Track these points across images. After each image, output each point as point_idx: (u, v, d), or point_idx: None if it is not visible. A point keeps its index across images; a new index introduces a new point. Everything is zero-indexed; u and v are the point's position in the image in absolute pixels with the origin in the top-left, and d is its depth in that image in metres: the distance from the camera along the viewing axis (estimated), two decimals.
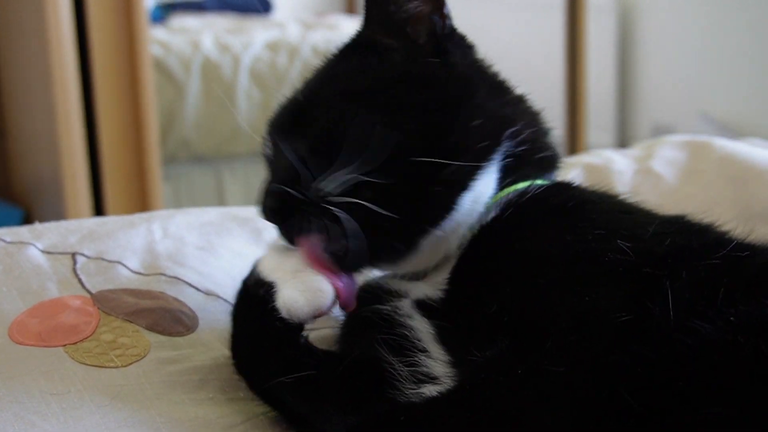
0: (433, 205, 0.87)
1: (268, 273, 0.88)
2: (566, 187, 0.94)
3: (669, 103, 4.01)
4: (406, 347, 0.84)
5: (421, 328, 0.85)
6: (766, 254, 0.83)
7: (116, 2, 2.39)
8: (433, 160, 0.84)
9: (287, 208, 0.86)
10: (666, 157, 1.44)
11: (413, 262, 0.90)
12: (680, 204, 1.32)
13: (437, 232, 0.87)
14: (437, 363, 0.83)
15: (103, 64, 2.40)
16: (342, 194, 0.84)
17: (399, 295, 0.90)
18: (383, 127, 0.85)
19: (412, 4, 0.91)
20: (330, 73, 0.95)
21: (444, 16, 0.93)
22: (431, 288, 0.88)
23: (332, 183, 0.84)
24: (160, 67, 3.22)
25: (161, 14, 4.21)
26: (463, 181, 0.87)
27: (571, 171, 1.41)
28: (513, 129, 0.90)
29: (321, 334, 1.03)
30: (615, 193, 0.96)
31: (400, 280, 0.93)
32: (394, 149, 0.84)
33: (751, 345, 0.70)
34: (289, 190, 0.85)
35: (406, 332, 0.85)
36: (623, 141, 4.12)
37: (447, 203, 0.87)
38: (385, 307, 0.88)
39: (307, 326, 0.91)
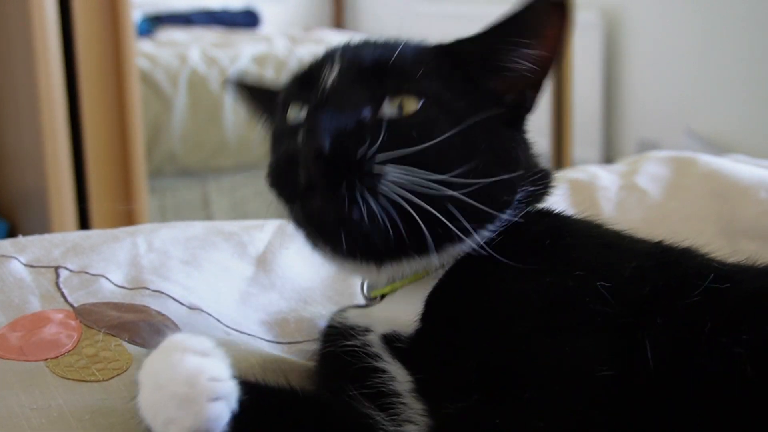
0: (439, 238, 0.84)
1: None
2: (546, 217, 0.92)
3: (655, 119, 4.03)
4: (383, 394, 0.82)
5: (395, 373, 0.83)
6: (747, 281, 0.81)
7: (103, 15, 2.39)
8: (467, 211, 0.82)
9: (340, 170, 0.80)
10: (651, 173, 1.45)
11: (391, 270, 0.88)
12: (664, 219, 1.32)
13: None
14: (414, 412, 0.80)
15: (90, 77, 2.39)
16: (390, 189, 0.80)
17: (365, 329, 0.87)
18: (457, 158, 0.83)
19: (525, 63, 0.89)
20: (428, 64, 0.89)
21: (535, 98, 0.91)
22: (398, 323, 0.85)
23: (397, 174, 0.80)
24: (147, 80, 3.22)
25: (148, 27, 4.21)
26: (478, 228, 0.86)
27: (557, 186, 1.42)
28: (522, 188, 0.90)
29: (302, 347, 1.03)
30: (597, 223, 0.94)
31: (362, 310, 0.92)
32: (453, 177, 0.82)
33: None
34: (354, 151, 0.80)
35: (380, 382, 0.82)
36: (609, 157, 4.13)
37: (453, 235, 0.84)
38: (353, 342, 0.86)
39: (291, 340, 0.90)
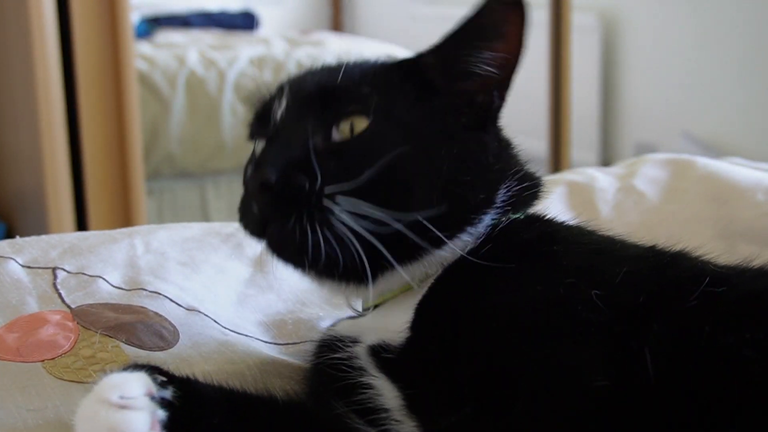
0: (410, 252, 0.84)
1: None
2: (536, 222, 0.90)
3: (652, 122, 4.03)
4: (372, 410, 0.81)
5: (382, 388, 0.81)
6: (744, 284, 0.79)
7: (101, 17, 2.39)
8: (433, 229, 0.81)
9: (288, 203, 0.79)
10: (648, 176, 1.45)
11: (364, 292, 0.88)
12: (662, 222, 1.32)
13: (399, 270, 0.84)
14: (406, 428, 0.79)
15: (88, 79, 2.39)
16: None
17: (353, 340, 0.86)
18: (414, 171, 0.82)
19: (489, 66, 0.87)
20: (377, 81, 0.88)
21: (503, 97, 0.89)
22: (388, 332, 0.84)
23: (349, 204, 0.79)
24: (145, 81, 3.22)
25: (147, 29, 4.21)
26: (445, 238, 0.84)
27: (555, 188, 1.42)
28: (505, 186, 0.89)
29: (300, 348, 1.03)
30: (589, 229, 0.92)
31: (353, 321, 0.91)
32: (410, 198, 0.81)
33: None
34: (302, 183, 0.79)
35: (367, 398, 0.81)
36: (606, 159, 4.14)
37: (423, 251, 0.84)
38: (339, 355, 0.85)
39: (288, 341, 0.90)
